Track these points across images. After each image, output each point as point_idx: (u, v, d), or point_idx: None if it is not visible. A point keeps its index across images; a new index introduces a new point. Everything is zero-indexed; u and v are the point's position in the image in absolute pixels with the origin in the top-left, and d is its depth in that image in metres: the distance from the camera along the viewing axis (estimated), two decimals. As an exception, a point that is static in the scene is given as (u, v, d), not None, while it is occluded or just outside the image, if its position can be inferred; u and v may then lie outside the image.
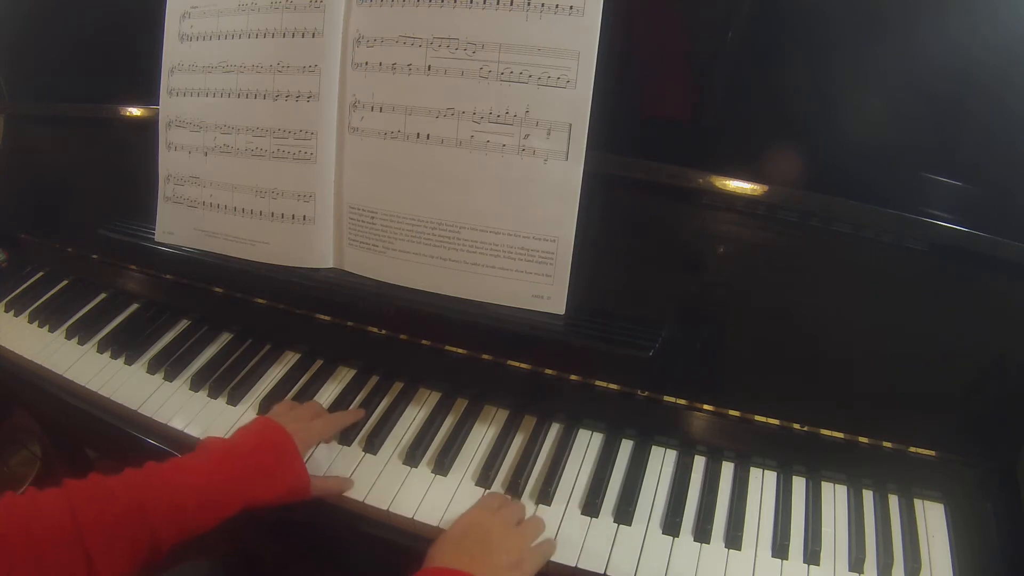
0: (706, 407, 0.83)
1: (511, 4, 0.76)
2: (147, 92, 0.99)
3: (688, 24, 0.80)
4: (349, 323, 0.95)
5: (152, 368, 0.98)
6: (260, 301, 1.00)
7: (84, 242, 1.13)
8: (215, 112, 0.92)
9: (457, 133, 0.80)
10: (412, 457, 0.84)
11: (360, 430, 0.88)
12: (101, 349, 1.02)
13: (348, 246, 0.89)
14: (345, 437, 0.87)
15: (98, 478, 0.67)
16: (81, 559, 0.61)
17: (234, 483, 0.72)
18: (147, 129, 0.99)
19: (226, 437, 0.84)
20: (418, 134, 0.82)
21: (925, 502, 0.80)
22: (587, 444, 0.86)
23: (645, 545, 0.75)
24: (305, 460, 0.79)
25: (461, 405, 0.91)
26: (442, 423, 0.89)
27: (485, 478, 0.82)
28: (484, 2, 0.77)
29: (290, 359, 1.00)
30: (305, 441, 0.80)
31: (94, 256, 1.13)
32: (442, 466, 0.83)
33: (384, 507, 0.79)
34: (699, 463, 0.84)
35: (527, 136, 0.78)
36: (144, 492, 0.67)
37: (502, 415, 0.90)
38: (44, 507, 0.63)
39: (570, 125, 0.77)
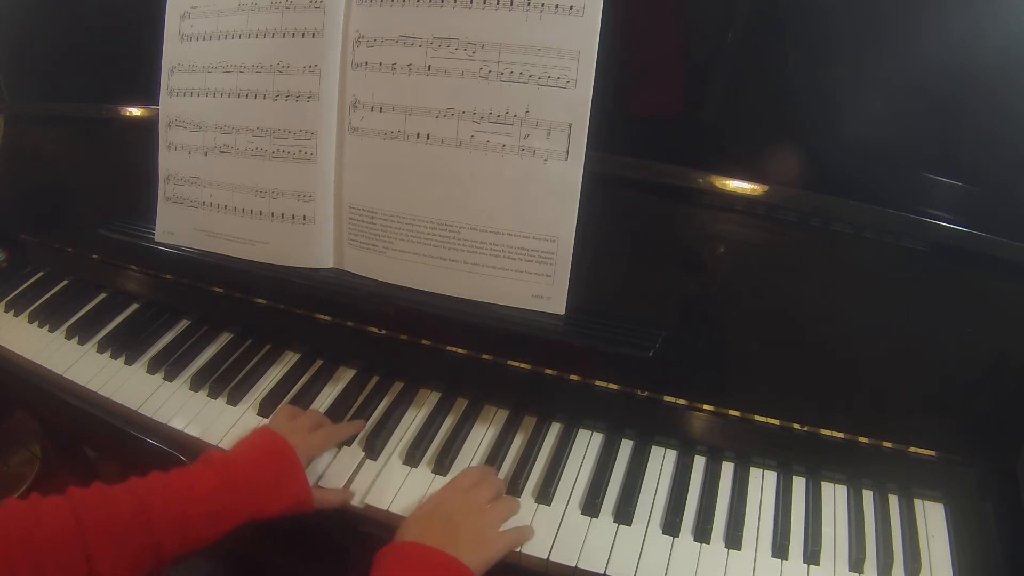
0: (706, 407, 0.83)
1: (511, 4, 0.76)
2: (147, 92, 0.99)
3: (688, 24, 0.80)
4: (349, 323, 0.95)
5: (152, 368, 0.98)
6: (260, 301, 1.00)
7: (84, 242, 1.13)
8: (215, 112, 0.92)
9: (457, 133, 0.80)
10: (412, 457, 0.84)
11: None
12: (101, 349, 1.02)
13: (348, 246, 0.89)
14: (345, 437, 0.87)
15: (102, 486, 0.67)
16: (83, 563, 0.61)
17: (239, 495, 0.72)
18: (147, 129, 0.99)
19: (226, 441, 0.84)
20: (418, 134, 0.82)
21: (925, 502, 0.80)
22: (587, 444, 0.86)
23: (645, 545, 0.75)
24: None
25: (461, 405, 0.91)
26: (442, 423, 0.89)
27: (485, 478, 0.82)
28: (484, 2, 0.77)
29: (290, 359, 1.00)
30: (307, 454, 0.80)
31: (94, 256, 1.13)
32: (442, 466, 0.83)
33: (384, 507, 0.79)
34: (699, 463, 0.84)
35: (527, 136, 0.78)
36: (149, 502, 0.67)
37: (502, 415, 0.90)
38: (48, 513, 0.63)
39: (570, 125, 0.77)
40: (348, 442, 0.86)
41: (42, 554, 0.60)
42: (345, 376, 0.97)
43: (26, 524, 0.61)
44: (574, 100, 0.76)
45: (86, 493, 0.66)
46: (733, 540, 0.75)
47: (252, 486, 0.73)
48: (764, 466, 0.83)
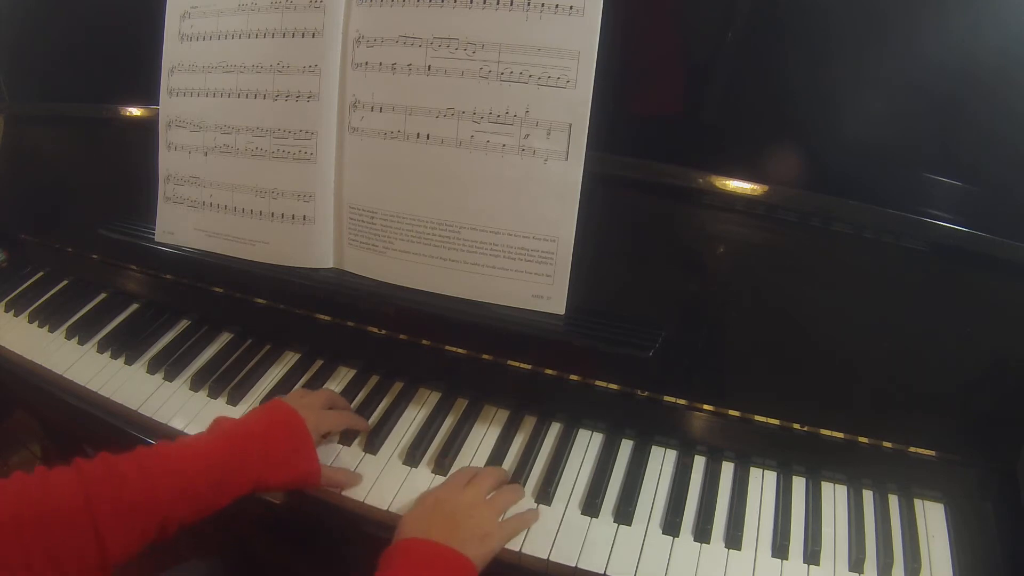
0: (706, 407, 0.83)
1: (511, 4, 0.76)
2: (147, 92, 0.99)
3: (688, 24, 0.80)
4: (349, 323, 0.95)
5: (152, 368, 0.98)
6: (260, 301, 1.00)
7: (84, 242, 1.13)
8: (215, 112, 0.92)
9: (457, 133, 0.80)
10: (412, 457, 0.84)
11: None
12: (101, 349, 1.02)
13: (348, 246, 0.89)
14: (345, 437, 0.86)
15: (109, 459, 0.67)
16: (92, 540, 0.62)
17: (246, 463, 0.72)
18: (147, 129, 0.99)
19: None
20: (418, 134, 0.82)
21: (925, 502, 0.80)
22: (587, 444, 0.86)
23: (645, 545, 0.75)
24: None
25: (461, 405, 0.91)
26: (442, 423, 0.89)
27: (485, 478, 0.82)
28: (484, 2, 0.77)
29: (290, 359, 1.00)
30: (317, 428, 0.80)
31: (94, 256, 1.13)
32: (442, 466, 0.83)
33: (384, 507, 0.79)
34: (699, 463, 0.84)
35: (527, 136, 0.78)
36: (157, 476, 0.67)
37: (502, 415, 0.90)
38: (56, 488, 0.63)
39: (570, 125, 0.77)
40: (348, 442, 0.86)
41: (52, 532, 0.60)
42: (345, 376, 0.97)
43: (35, 502, 0.61)
44: (574, 100, 0.76)
45: (93, 466, 0.66)
46: (733, 540, 0.75)
47: (260, 455, 0.73)
48: (764, 466, 0.83)
